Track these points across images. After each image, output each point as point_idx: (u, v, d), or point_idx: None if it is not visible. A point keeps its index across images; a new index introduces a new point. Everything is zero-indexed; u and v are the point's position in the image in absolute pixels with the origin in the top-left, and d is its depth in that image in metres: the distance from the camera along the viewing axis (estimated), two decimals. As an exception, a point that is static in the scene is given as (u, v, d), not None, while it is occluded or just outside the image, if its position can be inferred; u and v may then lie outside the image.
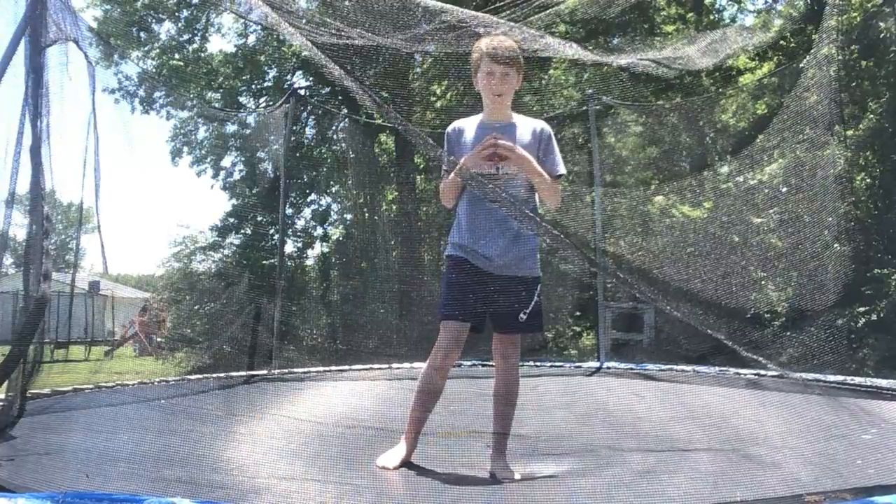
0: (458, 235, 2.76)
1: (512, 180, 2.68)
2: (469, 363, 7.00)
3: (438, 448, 3.17)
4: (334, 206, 14.78)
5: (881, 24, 8.24)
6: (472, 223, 2.71)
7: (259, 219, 13.90)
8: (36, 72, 3.30)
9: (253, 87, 15.02)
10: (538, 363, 6.92)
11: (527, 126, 2.78)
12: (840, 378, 5.08)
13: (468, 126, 2.82)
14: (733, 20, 13.80)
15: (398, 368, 6.70)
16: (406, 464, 2.71)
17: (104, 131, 3.96)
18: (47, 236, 3.28)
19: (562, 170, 2.75)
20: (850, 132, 7.48)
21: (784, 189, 6.93)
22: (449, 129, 2.86)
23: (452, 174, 2.69)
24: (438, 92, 12.43)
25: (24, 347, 3.18)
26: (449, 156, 2.73)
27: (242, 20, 14.75)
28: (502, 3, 4.13)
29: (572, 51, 4.18)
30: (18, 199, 3.51)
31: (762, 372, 5.53)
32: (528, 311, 2.68)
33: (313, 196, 14.63)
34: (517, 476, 2.57)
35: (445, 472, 2.65)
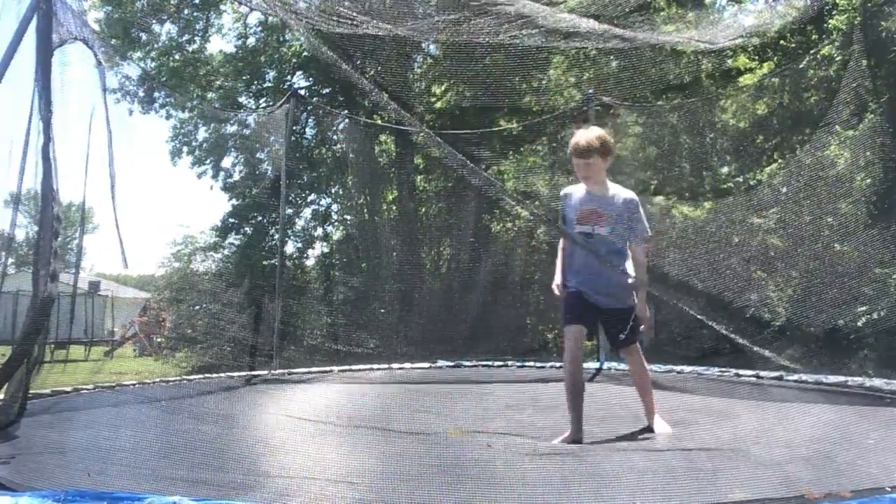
0: (575, 278, 3.56)
1: (603, 238, 3.50)
2: (470, 364, 7.02)
3: (439, 447, 3.18)
4: (334, 207, 14.79)
5: (882, 23, 8.24)
6: (583, 271, 3.54)
7: (259, 219, 13.90)
8: (46, 73, 3.30)
9: (253, 87, 15.02)
10: (539, 364, 6.93)
11: (619, 196, 3.57)
12: (840, 379, 5.08)
13: (576, 191, 3.64)
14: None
15: (398, 369, 6.70)
16: (575, 442, 3.26)
17: (104, 131, 3.97)
18: (57, 237, 3.28)
19: (648, 233, 3.62)
20: (850, 132, 7.47)
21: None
22: (562, 192, 3.75)
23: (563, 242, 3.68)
24: (438, 92, 12.44)
25: (28, 347, 3.19)
26: (564, 210, 3.65)
27: (243, 20, 14.79)
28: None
29: (588, 25, 4.22)
30: (14, 198, 3.51)
31: (762, 373, 5.53)
32: (625, 332, 3.51)
33: (313, 196, 14.63)
34: (671, 430, 3.40)
35: (446, 472, 2.66)
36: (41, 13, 3.39)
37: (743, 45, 9.03)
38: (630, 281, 3.54)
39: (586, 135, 3.56)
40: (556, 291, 3.66)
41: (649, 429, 3.49)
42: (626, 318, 3.51)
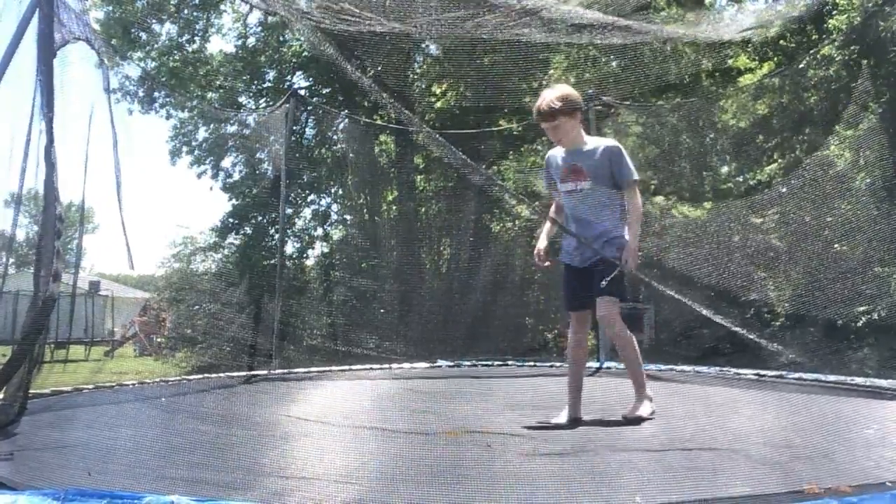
0: (564, 247, 3.63)
1: (587, 192, 3.47)
2: (469, 363, 7.02)
3: (439, 447, 3.18)
4: (334, 207, 14.79)
5: (881, 23, 8.25)
6: (566, 240, 3.60)
7: (259, 219, 13.90)
8: (48, 73, 3.30)
9: (253, 87, 15.03)
10: (539, 364, 6.93)
11: (598, 148, 3.49)
12: (840, 378, 5.08)
13: (557, 153, 3.61)
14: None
15: (398, 369, 6.70)
16: (574, 420, 3.40)
17: (104, 131, 3.98)
18: (59, 237, 3.28)
19: (634, 176, 3.47)
20: (849, 132, 7.48)
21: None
22: (547, 155, 3.71)
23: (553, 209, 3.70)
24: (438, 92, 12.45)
25: (29, 346, 3.19)
26: (548, 175, 3.66)
27: (242, 20, 14.79)
28: None
29: (593, 16, 4.23)
30: (15, 198, 3.52)
31: (762, 372, 5.53)
32: (607, 279, 3.37)
33: (313, 196, 14.63)
34: (652, 413, 3.37)
35: (446, 471, 2.66)
36: (42, 13, 3.39)
37: (743, 43, 9.06)
38: (613, 234, 3.46)
39: (548, 96, 3.44)
40: (536, 258, 3.66)
41: (635, 419, 3.39)
42: (605, 268, 3.40)
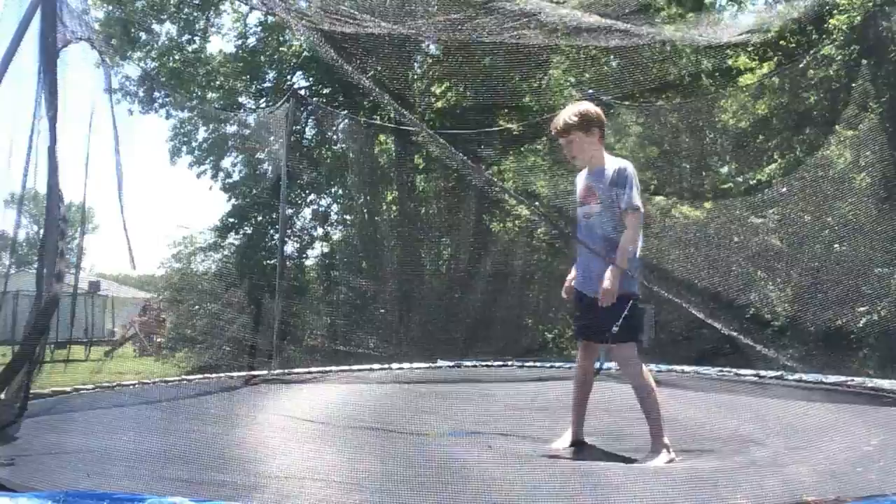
0: (576, 272, 3.43)
1: (599, 215, 3.29)
2: (470, 363, 7.01)
3: (439, 448, 3.18)
4: (334, 207, 14.80)
5: (882, 23, 8.25)
6: (578, 260, 3.42)
7: (259, 219, 13.91)
8: (50, 73, 3.29)
9: (253, 87, 15.03)
10: (539, 364, 6.92)
11: (610, 168, 3.31)
12: (841, 379, 5.07)
13: (583, 174, 3.46)
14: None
15: (398, 369, 6.69)
16: (576, 444, 3.24)
17: (104, 131, 3.98)
18: (63, 237, 3.28)
19: (634, 203, 3.21)
20: (850, 132, 7.49)
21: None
22: (577, 176, 3.54)
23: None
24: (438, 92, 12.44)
25: (31, 347, 3.18)
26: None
27: (242, 20, 14.79)
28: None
29: (591, 20, 4.22)
30: (17, 199, 3.52)
31: (763, 373, 5.52)
32: (618, 324, 3.10)
33: (313, 196, 14.64)
34: (677, 459, 2.96)
35: (446, 471, 2.66)
36: (44, 13, 3.38)
37: (744, 43, 9.05)
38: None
39: (565, 112, 3.36)
40: (563, 293, 3.49)
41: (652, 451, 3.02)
42: (619, 309, 3.10)
